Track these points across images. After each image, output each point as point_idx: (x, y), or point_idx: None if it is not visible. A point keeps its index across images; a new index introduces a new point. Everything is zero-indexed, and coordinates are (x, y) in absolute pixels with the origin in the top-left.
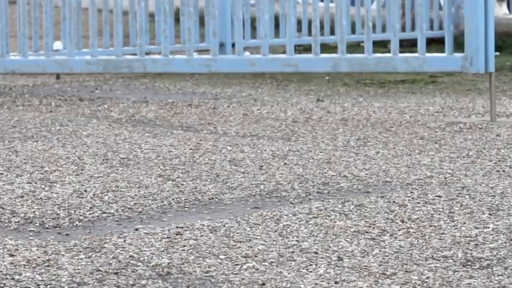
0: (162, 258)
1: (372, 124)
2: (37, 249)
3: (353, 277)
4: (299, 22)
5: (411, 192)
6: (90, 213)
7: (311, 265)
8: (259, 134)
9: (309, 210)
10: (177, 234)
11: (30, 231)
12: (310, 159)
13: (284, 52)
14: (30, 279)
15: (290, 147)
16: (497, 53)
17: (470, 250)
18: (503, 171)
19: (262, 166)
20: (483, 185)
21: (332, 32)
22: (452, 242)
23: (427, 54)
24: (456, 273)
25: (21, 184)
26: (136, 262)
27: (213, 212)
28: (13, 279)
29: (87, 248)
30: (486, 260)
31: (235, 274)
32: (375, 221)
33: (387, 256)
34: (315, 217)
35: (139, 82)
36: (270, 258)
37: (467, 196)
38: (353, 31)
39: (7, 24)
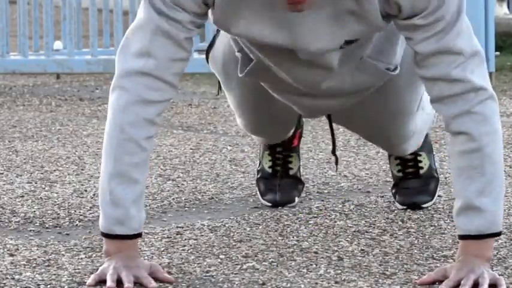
0: (162, 258)
1: None
2: (37, 249)
3: (353, 277)
4: None
5: None
6: (90, 213)
7: (311, 265)
8: None
9: (309, 210)
10: (177, 234)
11: (30, 231)
12: (310, 159)
13: None
14: (30, 279)
15: None
16: (498, 53)
17: None
18: (504, 171)
19: None
20: None
21: None
22: (452, 242)
23: None
24: None
25: (21, 184)
26: None
27: (213, 212)
28: (13, 278)
29: (87, 248)
30: None
31: (235, 274)
32: (375, 220)
33: (387, 256)
34: (315, 217)
35: None
36: (270, 258)
37: None
38: None
39: (7, 24)
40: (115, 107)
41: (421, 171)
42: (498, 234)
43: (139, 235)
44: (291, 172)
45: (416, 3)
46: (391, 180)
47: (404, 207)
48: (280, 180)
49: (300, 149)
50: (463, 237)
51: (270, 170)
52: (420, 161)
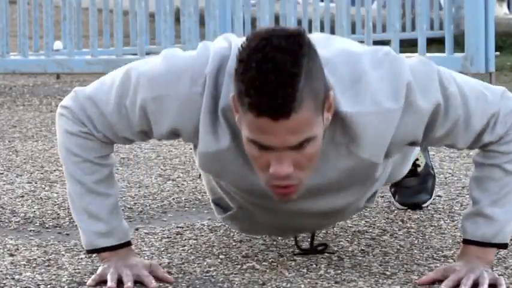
0: (162, 258)
1: None
2: (37, 249)
3: (353, 277)
4: (299, 22)
5: None
6: None
7: (311, 265)
8: None
9: None
10: (177, 234)
11: (30, 231)
12: None
13: None
14: (30, 279)
15: None
16: (498, 53)
17: None
18: None
19: None
20: None
21: (332, 32)
22: (452, 242)
23: (427, 54)
24: None
25: (21, 184)
26: None
27: (213, 212)
28: (13, 279)
29: None
30: None
31: (235, 274)
32: (375, 220)
33: (387, 256)
34: None
35: None
36: (270, 258)
37: (467, 196)
38: (353, 31)
39: (7, 24)
40: (61, 132)
41: (419, 169)
42: (504, 246)
43: (128, 243)
44: None
45: (426, 120)
46: None
47: (405, 207)
48: None
49: None
50: (467, 241)
51: None
52: (417, 159)
